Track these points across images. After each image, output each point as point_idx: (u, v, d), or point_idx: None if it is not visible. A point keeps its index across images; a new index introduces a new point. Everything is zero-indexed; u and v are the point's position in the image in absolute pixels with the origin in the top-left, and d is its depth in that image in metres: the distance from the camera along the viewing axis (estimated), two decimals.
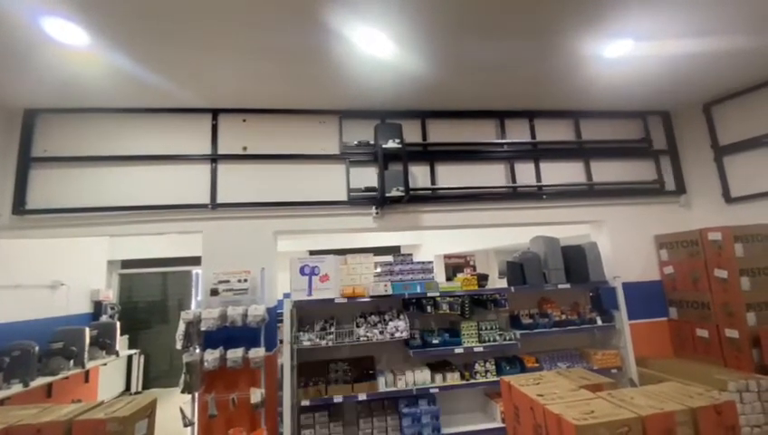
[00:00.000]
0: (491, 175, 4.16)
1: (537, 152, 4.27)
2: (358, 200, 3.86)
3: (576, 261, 3.78)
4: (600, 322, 3.69)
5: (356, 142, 3.93)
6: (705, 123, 4.26)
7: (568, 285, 3.68)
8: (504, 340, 3.48)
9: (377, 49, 3.01)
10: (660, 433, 1.67)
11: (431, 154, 4.11)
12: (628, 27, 2.94)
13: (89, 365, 4.53)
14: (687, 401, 1.83)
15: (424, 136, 4.12)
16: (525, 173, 4.21)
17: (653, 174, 4.42)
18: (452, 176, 4.10)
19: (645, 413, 1.70)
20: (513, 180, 4.15)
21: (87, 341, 4.51)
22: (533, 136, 4.28)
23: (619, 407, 1.79)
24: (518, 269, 3.69)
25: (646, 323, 3.99)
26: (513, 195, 4.13)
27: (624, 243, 4.19)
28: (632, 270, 4.10)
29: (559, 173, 4.25)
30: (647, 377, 3.52)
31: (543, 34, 2.98)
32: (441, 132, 4.16)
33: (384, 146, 3.76)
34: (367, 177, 3.93)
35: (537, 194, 4.17)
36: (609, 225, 4.23)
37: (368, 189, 3.87)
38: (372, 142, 3.93)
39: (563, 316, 3.70)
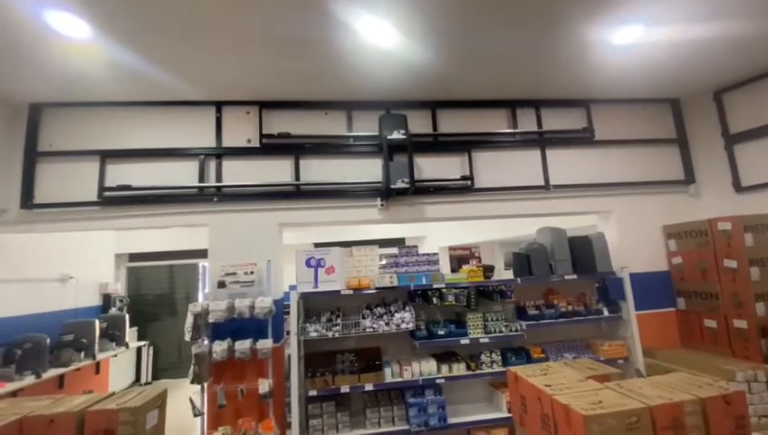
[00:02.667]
0: (495, 165, 4.12)
1: (544, 141, 4.22)
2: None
3: (583, 252, 3.76)
4: (606, 312, 3.68)
5: (276, 133, 3.81)
6: (716, 111, 4.18)
7: (574, 276, 3.66)
8: (510, 331, 3.48)
9: (382, 39, 2.97)
10: (669, 423, 1.67)
11: (436, 144, 4.08)
12: (638, 12, 2.86)
13: (99, 357, 4.61)
14: (696, 390, 1.82)
15: (432, 126, 4.08)
16: (533, 163, 4.17)
17: (664, 164, 4.36)
18: (457, 166, 4.07)
19: (653, 403, 1.69)
20: (521, 170, 4.13)
21: (97, 333, 4.58)
22: (540, 125, 4.23)
23: (627, 397, 1.79)
24: (524, 260, 3.68)
25: (653, 313, 3.97)
26: (520, 185, 4.09)
27: (632, 233, 4.15)
28: (640, 261, 4.06)
29: (567, 163, 4.21)
30: (654, 368, 3.51)
31: (552, 22, 2.92)
32: (447, 122, 4.12)
33: (389, 137, 3.73)
34: (372, 168, 3.91)
35: (544, 185, 4.12)
36: (616, 215, 4.19)
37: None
38: (377, 133, 3.90)
39: (570, 307, 3.68)
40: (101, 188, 3.58)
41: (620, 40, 3.18)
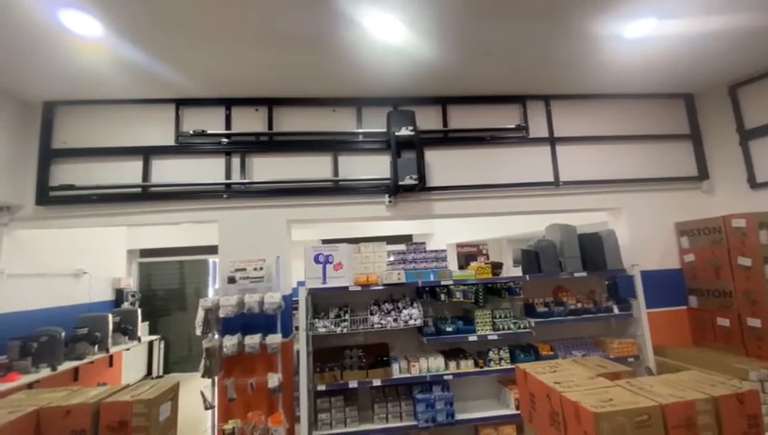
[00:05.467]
0: (505, 161, 4.09)
1: (553, 138, 4.17)
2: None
3: (593, 249, 3.72)
4: (616, 310, 3.64)
5: (191, 132, 3.72)
6: (731, 106, 4.09)
7: (584, 274, 3.63)
8: (519, 328, 3.46)
9: (389, 34, 2.95)
10: (681, 422, 1.65)
11: (445, 141, 4.06)
12: (650, 5, 2.81)
13: (112, 350, 4.69)
14: (708, 389, 1.80)
15: (442, 122, 4.06)
16: (543, 159, 4.13)
17: (675, 160, 4.29)
18: (466, 163, 4.05)
19: (665, 401, 1.68)
20: (529, 167, 4.09)
21: (110, 327, 4.66)
22: (550, 120, 4.18)
23: (637, 395, 1.78)
24: (533, 257, 3.66)
25: (664, 311, 3.92)
26: (529, 182, 4.05)
27: (643, 230, 4.10)
28: (651, 258, 4.02)
29: (577, 159, 4.16)
30: (664, 366, 3.47)
31: (561, 15, 2.87)
32: (454, 118, 4.09)
33: (397, 133, 3.72)
34: (380, 165, 3.91)
35: (554, 181, 4.09)
36: (627, 212, 4.13)
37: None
38: (385, 130, 3.90)
39: (579, 305, 3.66)
40: (113, 185, 3.63)
41: (632, 34, 3.13)
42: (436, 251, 3.67)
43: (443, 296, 3.48)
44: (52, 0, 2.45)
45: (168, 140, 3.77)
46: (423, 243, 3.76)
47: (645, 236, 4.09)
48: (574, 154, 4.17)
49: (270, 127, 3.86)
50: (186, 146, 3.79)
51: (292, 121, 3.92)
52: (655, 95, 4.33)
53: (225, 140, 3.81)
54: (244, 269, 3.46)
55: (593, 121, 4.25)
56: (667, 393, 1.77)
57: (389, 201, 3.86)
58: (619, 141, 4.24)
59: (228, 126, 3.83)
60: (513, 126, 4.11)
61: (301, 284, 3.42)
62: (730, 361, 3.25)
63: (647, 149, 4.27)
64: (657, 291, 3.85)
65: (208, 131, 3.77)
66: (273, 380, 3.24)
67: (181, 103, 3.80)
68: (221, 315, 3.24)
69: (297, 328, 3.50)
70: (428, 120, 4.03)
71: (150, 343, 6.56)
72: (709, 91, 4.25)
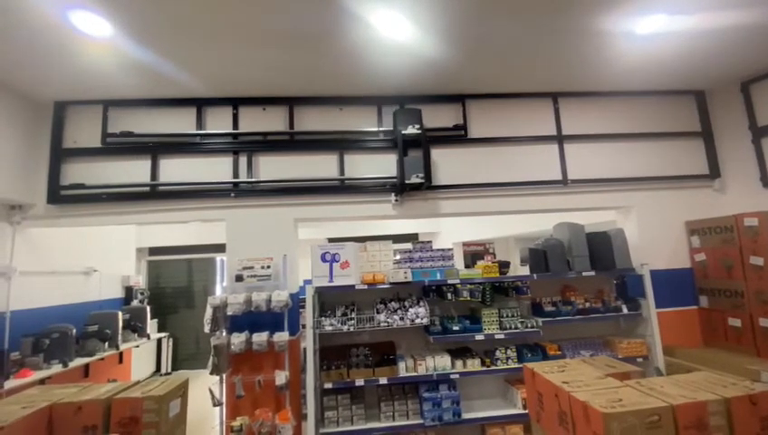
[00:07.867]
0: (513, 159, 4.07)
1: (561, 136, 4.13)
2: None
3: (601, 248, 3.69)
4: (625, 310, 3.60)
5: (119, 132, 3.71)
6: (743, 103, 4.02)
7: (592, 273, 3.59)
8: (526, 327, 3.44)
9: (395, 31, 2.94)
10: (692, 423, 1.63)
11: (451, 139, 4.04)
12: (660, 1, 2.76)
13: (122, 347, 4.76)
14: (720, 390, 1.78)
15: (448, 120, 4.05)
16: (551, 157, 4.10)
17: (684, 158, 4.24)
18: (473, 161, 4.03)
19: (676, 402, 1.66)
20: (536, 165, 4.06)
21: (120, 324, 4.73)
22: (558, 118, 4.15)
23: (648, 395, 1.76)
24: (541, 256, 3.63)
25: (674, 311, 3.88)
26: (537, 180, 4.02)
27: (653, 229, 4.05)
28: (661, 257, 3.97)
29: (585, 157, 4.12)
30: (674, 366, 3.43)
31: (569, 12, 2.84)
32: (457, 116, 4.08)
33: (403, 132, 3.72)
34: (387, 164, 3.91)
35: (562, 180, 4.05)
36: (636, 211, 4.08)
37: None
38: (392, 128, 3.90)
39: (587, 304, 3.63)
40: (123, 184, 3.67)
41: (643, 30, 3.09)
42: (442, 250, 3.66)
43: (449, 295, 3.48)
44: (62, 1, 2.48)
45: (177, 139, 3.80)
46: (429, 242, 3.76)
47: (654, 234, 4.04)
48: (583, 152, 4.13)
49: (276, 126, 3.87)
50: (197, 145, 3.81)
51: (298, 120, 3.93)
52: (665, 92, 4.27)
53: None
54: (252, 267, 3.48)
55: (602, 119, 4.20)
56: (677, 394, 1.75)
57: (396, 200, 3.86)
58: (629, 139, 4.19)
59: (236, 125, 3.86)
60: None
61: (307, 282, 3.43)
62: (741, 361, 3.21)
63: (657, 147, 4.21)
64: (666, 290, 3.80)
65: (215, 131, 3.81)
66: (281, 377, 3.27)
67: (185, 103, 3.82)
68: (229, 313, 3.26)
69: (304, 326, 3.51)
70: (435, 118, 4.01)
71: (159, 341, 6.63)
72: (721, 87, 4.19)
